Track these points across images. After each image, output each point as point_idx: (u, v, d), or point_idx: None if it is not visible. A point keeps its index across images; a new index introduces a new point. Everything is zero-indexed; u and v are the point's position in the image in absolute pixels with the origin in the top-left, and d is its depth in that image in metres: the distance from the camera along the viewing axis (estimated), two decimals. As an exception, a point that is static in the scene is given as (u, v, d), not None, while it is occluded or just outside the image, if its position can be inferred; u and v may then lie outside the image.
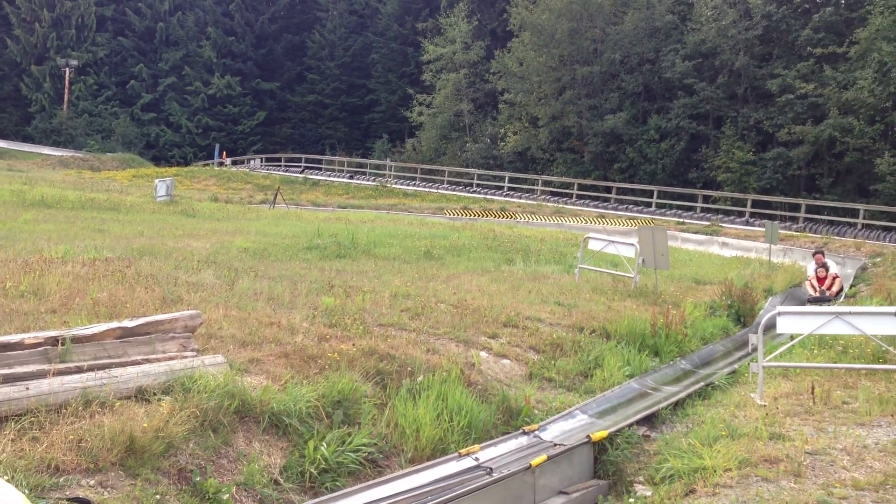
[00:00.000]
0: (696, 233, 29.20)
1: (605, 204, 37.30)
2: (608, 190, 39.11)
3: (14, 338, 5.60)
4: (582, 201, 37.91)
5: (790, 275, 18.36)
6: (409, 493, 5.08)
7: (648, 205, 36.19)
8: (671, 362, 9.75)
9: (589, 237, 15.38)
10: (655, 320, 10.43)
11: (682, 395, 8.24)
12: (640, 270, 13.88)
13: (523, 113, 46.41)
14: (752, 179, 37.04)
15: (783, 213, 32.46)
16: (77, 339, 5.84)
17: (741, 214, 33.24)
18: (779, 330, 8.11)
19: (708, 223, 31.14)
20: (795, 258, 23.29)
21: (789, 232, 28.06)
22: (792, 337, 8.63)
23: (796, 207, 32.48)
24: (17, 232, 13.84)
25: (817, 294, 14.94)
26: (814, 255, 16.27)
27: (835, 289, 15.19)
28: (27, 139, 61.59)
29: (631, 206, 36.04)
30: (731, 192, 36.17)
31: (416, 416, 6.45)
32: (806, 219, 31.26)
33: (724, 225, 30.73)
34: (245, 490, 5.32)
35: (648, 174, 40.98)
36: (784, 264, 21.03)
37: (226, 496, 5.07)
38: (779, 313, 7.74)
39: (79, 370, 5.49)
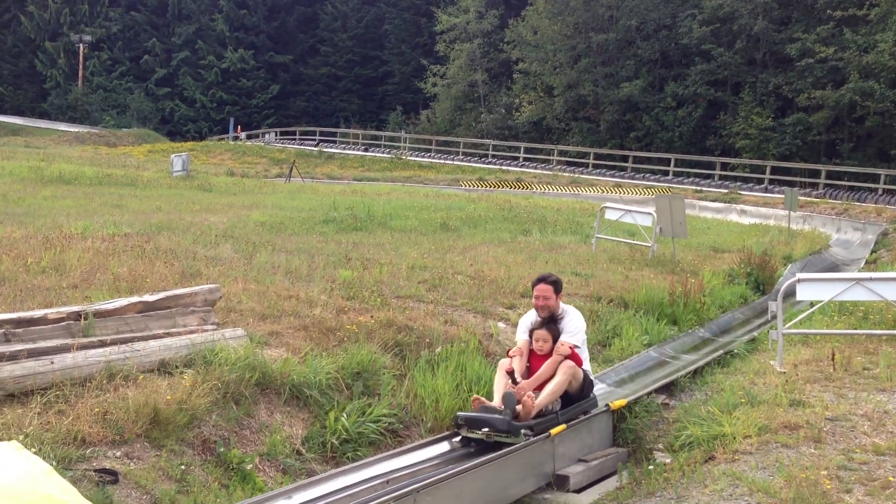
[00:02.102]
0: (714, 201, 29.01)
1: (622, 173, 37.11)
2: (625, 159, 38.87)
3: (37, 313, 5.66)
4: (598, 171, 37.73)
5: (810, 241, 18.23)
6: (429, 461, 5.14)
7: (666, 173, 35.95)
8: (690, 331, 9.74)
9: (606, 206, 15.32)
10: (674, 289, 10.40)
11: (701, 363, 8.23)
12: (658, 239, 13.81)
13: (538, 82, 46.08)
14: (772, 146, 36.68)
15: (803, 179, 32.14)
16: (99, 314, 5.90)
17: (760, 181, 32.96)
18: (798, 297, 8.06)
19: (726, 191, 30.91)
20: (815, 225, 23.12)
21: (809, 198, 27.81)
22: (812, 304, 8.58)
23: (816, 174, 32.16)
24: (37, 208, 13.95)
25: None
26: None
27: None
28: (43, 115, 61.92)
29: (648, 175, 35.82)
30: (750, 159, 35.86)
31: (435, 387, 6.49)
32: (826, 185, 30.96)
33: (742, 192, 30.50)
34: (268, 460, 5.38)
35: (665, 142, 40.67)
36: (804, 231, 20.89)
37: (249, 466, 5.13)
38: (798, 280, 7.69)
39: (102, 344, 5.55)
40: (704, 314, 10.40)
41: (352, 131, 52.86)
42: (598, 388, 7.27)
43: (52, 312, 5.70)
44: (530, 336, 6.21)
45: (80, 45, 61.66)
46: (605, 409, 6.51)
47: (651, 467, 5.72)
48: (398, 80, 63.52)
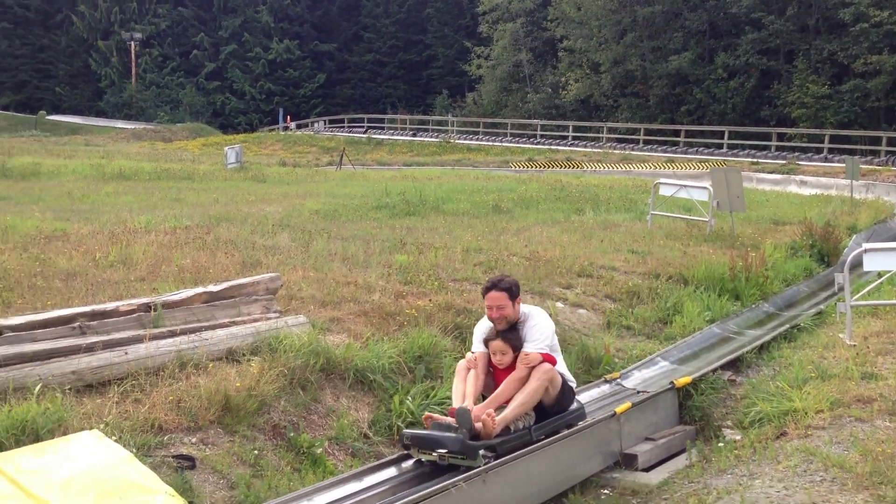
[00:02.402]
0: (771, 172, 28.35)
1: (674, 148, 36.53)
2: (676, 133, 38.25)
3: (109, 306, 5.83)
4: (649, 147, 37.20)
5: (874, 211, 17.73)
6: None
7: (719, 146, 35.29)
8: (753, 306, 9.57)
9: (659, 182, 15.10)
10: (734, 264, 10.22)
11: (767, 338, 8.09)
12: (715, 214, 13.58)
13: (584, 59, 45.51)
14: (829, 114, 35.71)
15: (863, 147, 31.25)
16: (167, 305, 6.05)
17: (819, 151, 32.10)
18: (865, 268, 7.86)
19: (784, 162, 30.19)
20: (879, 193, 22.45)
21: (871, 166, 27.01)
22: (880, 274, 8.36)
23: (877, 141, 31.23)
24: (101, 204, 14.31)
25: None
26: None
27: None
28: (100, 114, 63.37)
29: (701, 149, 35.18)
30: (807, 129, 34.97)
31: (497, 368, 6.49)
32: (888, 152, 30.05)
33: (800, 163, 29.75)
34: (337, 444, 5.47)
35: (718, 115, 39.86)
36: (867, 200, 20.31)
37: (319, 450, 5.22)
38: (865, 251, 7.50)
39: (171, 334, 5.69)
40: (768, 288, 10.20)
41: (399, 117, 52.95)
42: (660, 366, 7.21)
43: (123, 305, 5.86)
44: (487, 347, 5.26)
45: (132, 42, 62.86)
46: (669, 386, 6.45)
47: (721, 444, 5.66)
48: (442, 64, 63.37)
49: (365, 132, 47.90)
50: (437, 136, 44.65)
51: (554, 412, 5.16)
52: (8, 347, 4.93)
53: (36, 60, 67.31)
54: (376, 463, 4.90)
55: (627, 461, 5.70)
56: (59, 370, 4.91)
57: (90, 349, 5.17)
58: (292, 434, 5.28)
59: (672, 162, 32.18)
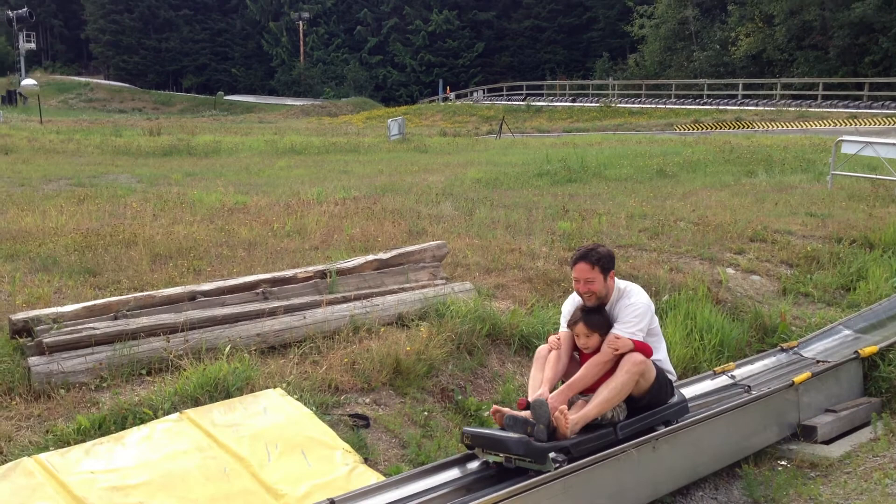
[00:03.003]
0: (970, 125, 25.81)
1: (857, 103, 33.94)
2: (859, 87, 35.47)
3: (288, 273, 6.20)
4: (828, 102, 34.75)
5: None
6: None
7: (909, 99, 32.45)
8: (948, 270, 8.81)
9: (842, 140, 14.11)
10: (927, 225, 9.45)
11: (966, 306, 7.43)
12: (905, 172, 12.57)
13: (756, 12, 42.96)
14: None
15: None
16: (340, 272, 6.35)
17: None
18: None
19: None
20: None
21: None
22: None
23: None
24: (275, 178, 15.14)
25: None
26: None
27: None
28: (272, 92, 66.82)
29: (888, 103, 32.47)
30: None
31: (665, 335, 6.35)
32: None
33: None
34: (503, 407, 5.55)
35: (907, 65, 36.58)
36: None
37: (486, 413, 5.34)
38: None
39: (345, 300, 5.98)
40: (968, 252, 9.34)
41: (558, 82, 52.27)
42: (842, 336, 6.80)
43: (300, 272, 6.21)
44: (571, 329, 4.59)
45: (300, 21, 65.70)
46: (853, 356, 6.08)
47: (911, 418, 5.29)
48: (603, 26, 61.82)
49: (524, 99, 47.69)
50: (596, 101, 43.76)
51: (647, 406, 4.48)
52: (201, 311, 5.36)
53: (214, 44, 71.76)
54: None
55: (806, 433, 5.44)
56: (246, 332, 5.29)
57: (273, 313, 5.52)
58: (460, 397, 5.42)
59: (854, 118, 29.94)
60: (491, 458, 4.14)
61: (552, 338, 4.65)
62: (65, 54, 76.69)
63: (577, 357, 4.57)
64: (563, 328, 4.63)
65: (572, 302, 4.66)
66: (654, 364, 4.45)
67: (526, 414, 4.16)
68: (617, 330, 4.39)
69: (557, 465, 3.99)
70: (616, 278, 4.58)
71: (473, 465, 4.28)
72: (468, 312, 6.03)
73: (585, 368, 4.36)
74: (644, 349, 4.37)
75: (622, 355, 4.32)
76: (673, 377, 4.69)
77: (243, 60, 71.63)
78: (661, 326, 6.42)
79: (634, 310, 4.43)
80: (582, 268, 4.45)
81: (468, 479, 4.18)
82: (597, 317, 4.45)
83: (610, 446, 4.23)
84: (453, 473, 4.22)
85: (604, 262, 4.45)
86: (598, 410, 4.25)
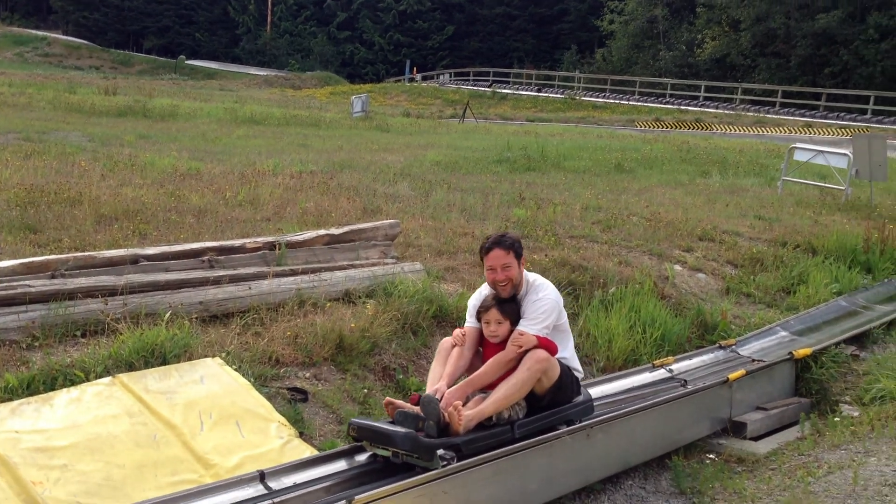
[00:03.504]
0: (919, 142, 26.47)
1: (813, 112, 34.57)
2: (817, 97, 36.13)
3: (237, 242, 6.12)
4: (786, 110, 35.35)
5: None
6: (602, 399, 5.13)
7: (863, 112, 33.17)
8: (886, 280, 9.05)
9: (795, 147, 14.38)
10: (869, 235, 9.68)
11: (898, 315, 7.66)
12: (853, 182, 12.85)
13: (723, 16, 43.47)
14: None
15: None
16: (290, 245, 6.30)
17: (975, 121, 29.72)
18: None
19: (934, 131, 28.12)
20: None
21: None
22: None
23: None
24: (232, 147, 14.93)
25: None
26: None
27: None
28: (235, 60, 65.70)
29: (843, 115, 33.17)
30: (964, 96, 32.36)
31: (609, 327, 6.45)
32: None
33: (953, 133, 27.63)
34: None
35: (865, 78, 37.36)
36: None
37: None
38: None
39: (293, 273, 5.93)
40: (903, 263, 9.62)
41: (525, 71, 52.32)
42: (779, 337, 6.95)
43: (249, 242, 6.14)
44: (479, 319, 4.39)
45: (268, -10, 64.59)
46: (787, 357, 6.23)
47: (837, 419, 5.45)
48: (573, 18, 62.02)
49: (490, 86, 47.67)
50: (562, 93, 43.94)
51: (549, 405, 4.29)
52: (143, 275, 5.27)
53: (179, 6, 70.22)
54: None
55: (736, 429, 5.57)
56: (188, 300, 5.22)
57: (217, 282, 5.46)
58: (401, 376, 5.43)
59: (810, 127, 30.53)
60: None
61: (457, 331, 4.48)
62: (24, 6, 74.46)
63: (481, 352, 4.40)
64: (471, 323, 4.44)
65: (479, 296, 4.49)
66: (560, 362, 4.29)
67: (418, 409, 3.96)
68: (522, 326, 4.24)
69: (445, 462, 3.82)
70: (525, 270, 4.44)
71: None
72: (416, 293, 6.03)
73: (488, 365, 4.20)
74: (549, 346, 4.22)
75: (526, 352, 4.16)
76: (580, 375, 4.54)
77: (208, 25, 70.24)
78: (605, 318, 6.59)
79: (541, 305, 4.28)
80: (497, 254, 4.29)
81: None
82: (510, 305, 4.32)
83: (506, 444, 4.06)
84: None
85: (517, 247, 4.34)
86: (495, 408, 4.07)
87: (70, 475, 3.60)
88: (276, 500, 3.58)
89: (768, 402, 5.92)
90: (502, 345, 4.25)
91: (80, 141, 13.57)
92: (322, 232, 6.68)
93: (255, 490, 3.64)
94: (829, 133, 28.60)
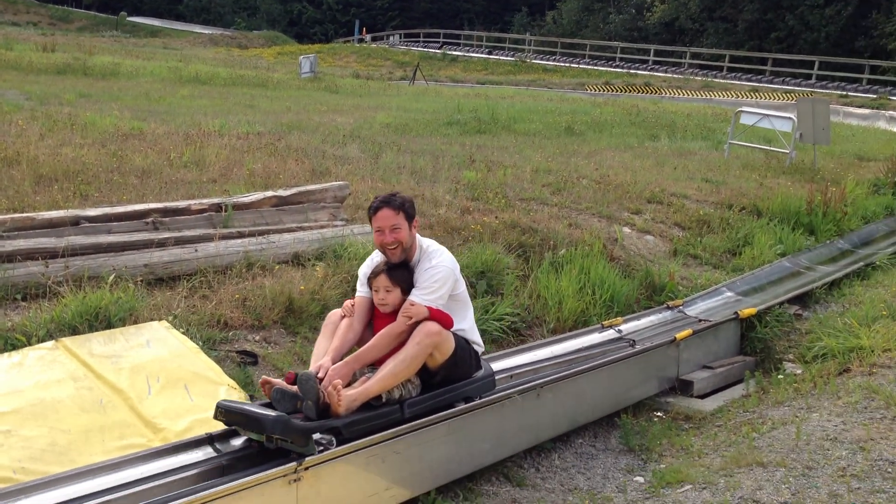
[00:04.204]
0: (860, 107, 27.07)
1: (759, 77, 35.06)
2: (763, 62, 36.63)
3: (182, 204, 5.98)
4: (733, 74, 35.78)
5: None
6: (552, 360, 5.18)
7: (808, 77, 33.75)
8: (828, 241, 9.29)
9: (741, 111, 14.60)
10: (812, 198, 9.90)
11: (839, 274, 7.87)
12: (797, 146, 13.10)
13: (673, -21, 43.65)
14: (929, 47, 33.70)
15: (963, 84, 29.48)
16: (237, 207, 6.18)
17: (914, 87, 30.45)
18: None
19: (875, 96, 28.77)
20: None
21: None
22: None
23: (979, 78, 29.42)
24: (176, 107, 14.55)
25: None
26: None
27: None
28: (179, 17, 63.81)
29: (788, 79, 33.70)
30: (903, 62, 33.11)
31: (559, 289, 6.49)
32: None
33: (893, 98, 28.31)
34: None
35: (809, 44, 37.99)
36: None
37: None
38: None
39: (240, 235, 5.83)
40: (845, 225, 9.87)
41: (475, 33, 51.91)
42: (725, 297, 7.09)
43: (195, 203, 6.01)
44: (370, 286, 4.03)
45: (213, -54, 62.68)
46: (732, 316, 6.36)
47: (781, 377, 5.58)
48: (524, -21, 61.61)
49: (440, 48, 47.22)
50: (512, 55, 43.75)
51: (444, 381, 3.96)
52: (85, 238, 5.13)
53: (119, -38, 67.80)
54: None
55: (683, 387, 5.68)
56: (132, 262, 5.09)
57: (162, 244, 5.34)
58: (351, 338, 5.39)
59: (756, 91, 30.97)
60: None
61: (347, 302, 4.13)
62: (-47, -42, 71.11)
63: (371, 323, 4.04)
64: (362, 292, 4.07)
65: (370, 264, 4.13)
66: (457, 335, 3.96)
67: (296, 388, 3.61)
68: (413, 296, 3.88)
69: (322, 447, 3.50)
70: (419, 235, 4.12)
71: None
72: (366, 255, 5.95)
73: (377, 338, 3.84)
74: (442, 318, 3.86)
75: (417, 324, 3.81)
76: (480, 349, 4.22)
77: (150, -19, 68.05)
78: (556, 280, 6.61)
79: (434, 274, 3.92)
80: (386, 214, 3.92)
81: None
82: (401, 271, 3.97)
83: (394, 425, 3.73)
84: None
85: (407, 208, 3.97)
86: (382, 386, 3.71)
87: (13, 441, 3.51)
88: (225, 461, 3.53)
89: (714, 361, 6.05)
90: (394, 315, 3.89)
91: (18, 99, 13.08)
92: (270, 193, 6.57)
93: (205, 453, 3.59)
94: (775, 98, 29.06)
